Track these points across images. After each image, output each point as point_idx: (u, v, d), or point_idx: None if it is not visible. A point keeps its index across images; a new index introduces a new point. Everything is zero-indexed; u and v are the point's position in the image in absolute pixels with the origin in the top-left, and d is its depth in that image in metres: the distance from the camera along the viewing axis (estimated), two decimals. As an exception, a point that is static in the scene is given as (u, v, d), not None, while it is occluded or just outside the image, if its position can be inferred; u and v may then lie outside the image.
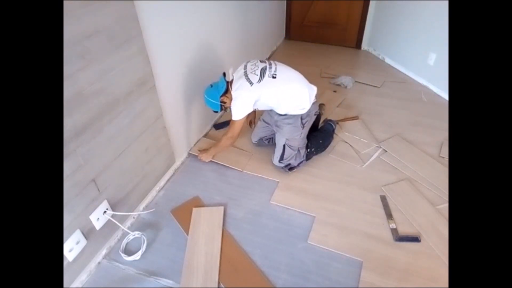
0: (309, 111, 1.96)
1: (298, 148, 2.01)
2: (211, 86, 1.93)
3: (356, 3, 3.46)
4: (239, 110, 1.87)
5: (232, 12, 2.45)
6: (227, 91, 1.91)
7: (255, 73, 1.86)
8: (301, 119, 1.96)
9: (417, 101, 2.77)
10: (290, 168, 2.05)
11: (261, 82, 1.83)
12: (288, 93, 1.89)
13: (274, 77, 1.85)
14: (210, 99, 1.91)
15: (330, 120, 2.35)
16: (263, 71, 1.86)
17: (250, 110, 1.89)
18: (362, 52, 3.72)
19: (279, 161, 2.02)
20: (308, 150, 2.08)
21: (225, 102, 1.92)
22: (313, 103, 1.99)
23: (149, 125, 1.71)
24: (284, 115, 1.97)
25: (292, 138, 1.98)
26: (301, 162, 2.06)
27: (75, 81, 1.20)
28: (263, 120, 2.21)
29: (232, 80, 1.93)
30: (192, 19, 1.94)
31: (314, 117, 2.09)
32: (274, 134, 2.17)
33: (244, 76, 1.87)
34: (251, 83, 1.83)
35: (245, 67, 1.91)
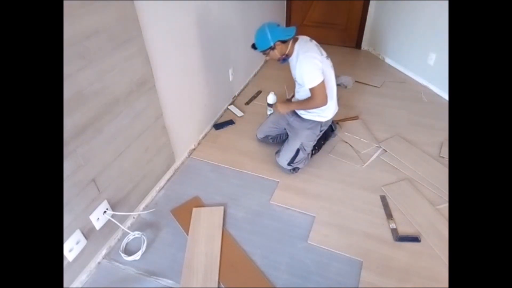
0: (328, 120, 2.02)
1: (308, 153, 2.04)
2: (278, 25, 1.78)
3: (356, 3, 3.46)
4: (315, 74, 1.75)
5: (232, 12, 2.45)
6: (286, 42, 1.78)
7: (321, 51, 1.85)
8: (320, 126, 2.01)
9: (417, 101, 2.77)
10: (295, 169, 2.06)
11: (328, 60, 1.86)
12: (331, 89, 1.89)
13: (332, 67, 1.88)
14: (268, 33, 1.73)
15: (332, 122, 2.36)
16: (327, 55, 1.88)
17: (322, 77, 1.77)
18: (362, 52, 3.72)
19: (288, 164, 1.99)
20: (313, 151, 2.12)
21: (273, 49, 1.77)
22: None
23: (149, 125, 1.71)
24: (308, 121, 2.00)
25: (307, 143, 2.01)
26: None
27: (75, 81, 1.20)
28: (271, 121, 2.21)
29: (295, 39, 1.83)
30: (192, 19, 1.94)
31: (327, 128, 2.14)
32: (280, 134, 2.20)
33: (315, 47, 1.83)
34: (321, 54, 1.84)
35: (311, 40, 1.89)
